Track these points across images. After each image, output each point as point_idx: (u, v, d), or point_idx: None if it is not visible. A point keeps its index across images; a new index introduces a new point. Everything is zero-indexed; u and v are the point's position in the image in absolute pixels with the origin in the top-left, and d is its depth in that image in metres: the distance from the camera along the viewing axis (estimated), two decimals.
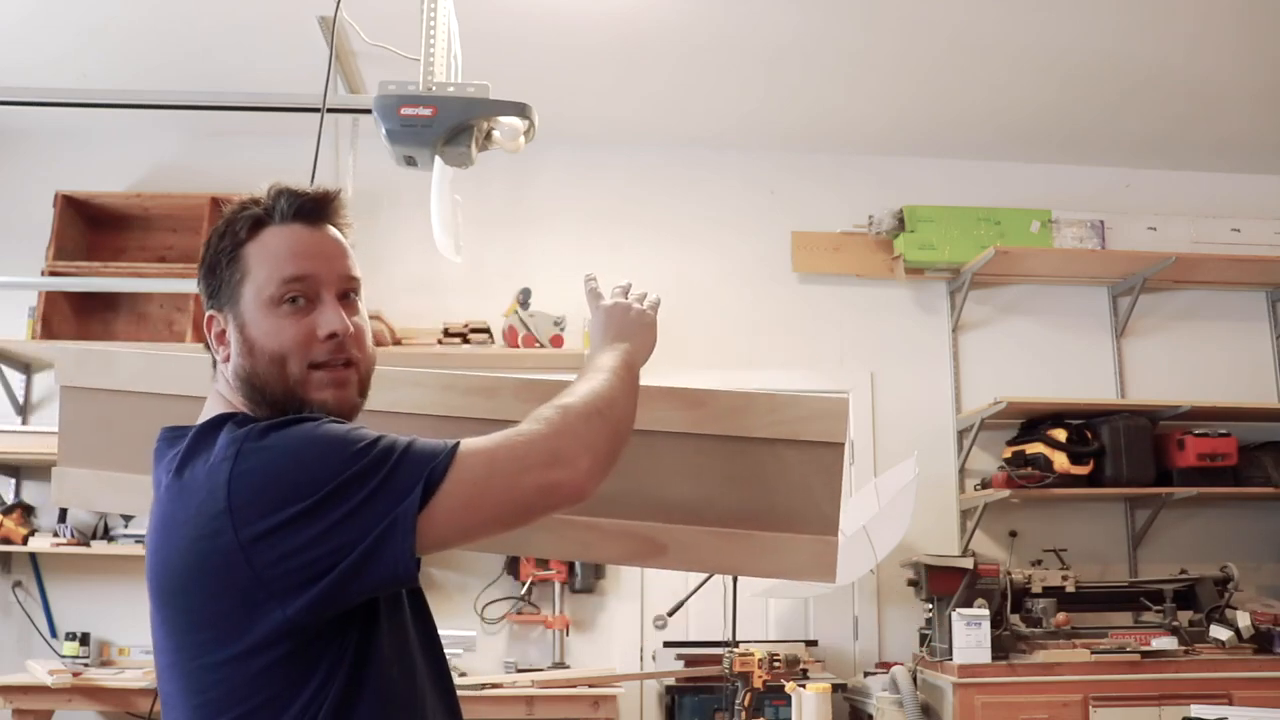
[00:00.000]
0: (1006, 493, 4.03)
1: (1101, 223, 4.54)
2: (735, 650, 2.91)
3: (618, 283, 1.47)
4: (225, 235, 1.20)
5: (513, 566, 4.07)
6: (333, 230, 1.23)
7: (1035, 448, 4.12)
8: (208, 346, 1.24)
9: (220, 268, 1.20)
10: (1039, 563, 4.09)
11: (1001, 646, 3.64)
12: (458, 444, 1.08)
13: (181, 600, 1.09)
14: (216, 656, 1.07)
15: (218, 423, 1.14)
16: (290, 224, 1.20)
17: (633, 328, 1.38)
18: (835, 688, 3.76)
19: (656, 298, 1.47)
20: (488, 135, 2.11)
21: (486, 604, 4.06)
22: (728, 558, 1.41)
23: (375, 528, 1.04)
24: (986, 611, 3.64)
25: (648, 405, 1.32)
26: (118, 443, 1.49)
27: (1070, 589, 3.88)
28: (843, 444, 1.38)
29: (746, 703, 2.84)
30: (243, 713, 1.06)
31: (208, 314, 1.22)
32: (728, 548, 1.40)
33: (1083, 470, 4.10)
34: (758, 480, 1.39)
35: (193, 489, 1.09)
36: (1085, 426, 4.19)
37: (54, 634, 3.98)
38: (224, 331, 1.20)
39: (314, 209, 1.21)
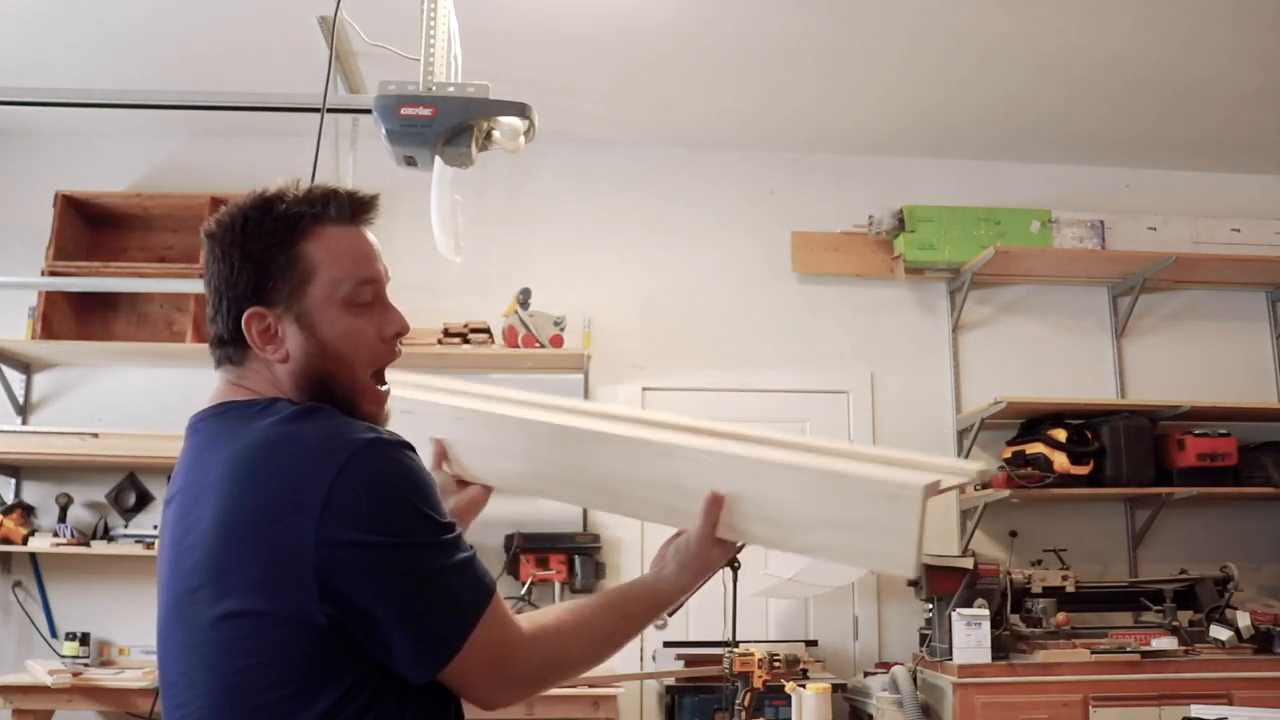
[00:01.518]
0: (1006, 493, 4.03)
1: (1101, 223, 4.54)
2: (735, 650, 2.90)
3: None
4: (272, 230, 1.17)
5: (513, 566, 4.07)
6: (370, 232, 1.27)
7: (1035, 448, 4.12)
8: (221, 342, 1.21)
9: (272, 263, 1.17)
10: (1039, 563, 4.09)
11: (1001, 646, 3.64)
12: (492, 594, 1.12)
13: (223, 556, 1.07)
14: (240, 618, 1.06)
15: (320, 409, 1.15)
16: (351, 226, 1.22)
17: (701, 579, 1.35)
18: (835, 688, 3.76)
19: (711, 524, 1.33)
20: (488, 135, 2.11)
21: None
22: (815, 483, 1.29)
23: (420, 620, 1.07)
24: (986, 611, 3.64)
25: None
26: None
27: (1070, 589, 3.88)
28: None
29: (746, 703, 2.84)
30: (272, 700, 1.05)
31: (251, 310, 1.17)
32: (814, 470, 1.30)
33: (1083, 470, 4.10)
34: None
35: (293, 458, 1.08)
36: (1085, 426, 4.19)
37: (54, 634, 3.98)
38: (272, 329, 1.17)
39: (368, 211, 1.24)
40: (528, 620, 1.15)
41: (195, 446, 1.18)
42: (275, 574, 1.04)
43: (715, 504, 1.30)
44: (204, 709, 1.07)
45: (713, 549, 1.33)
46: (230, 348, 1.20)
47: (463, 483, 1.49)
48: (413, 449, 1.13)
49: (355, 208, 1.22)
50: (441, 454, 1.47)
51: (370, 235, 1.25)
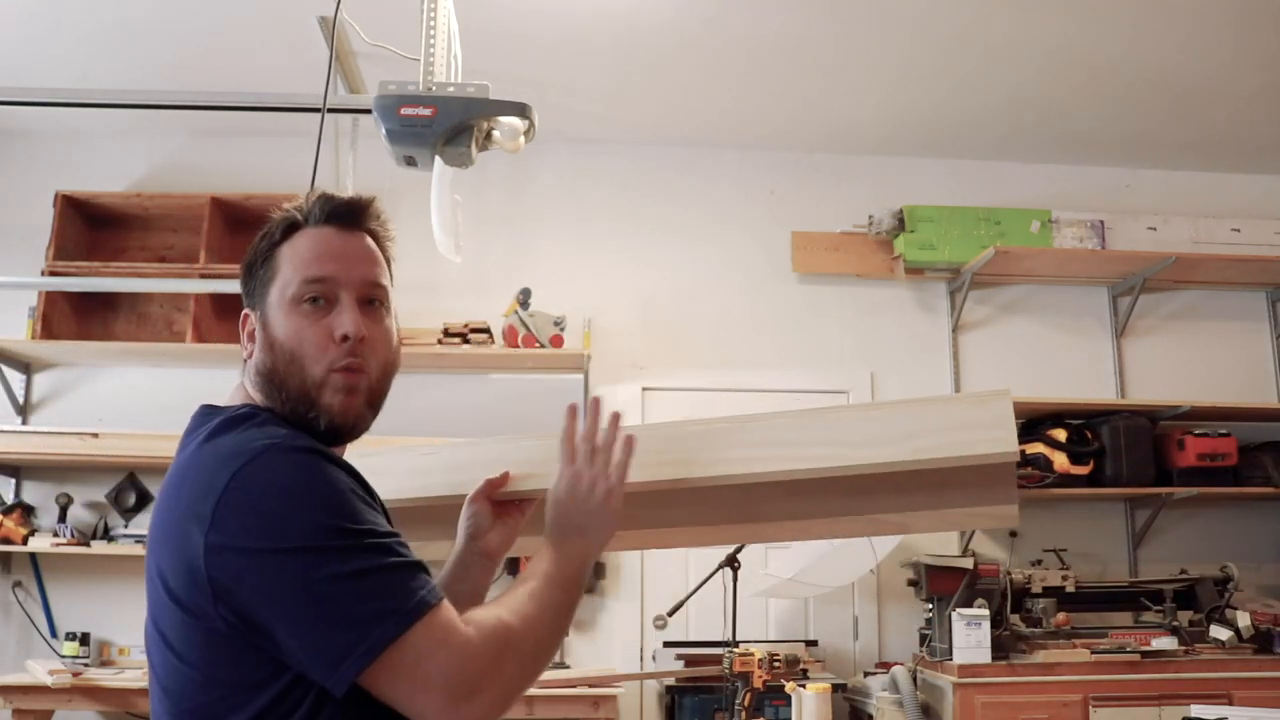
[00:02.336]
0: None
1: (1101, 223, 4.54)
2: (735, 650, 2.90)
3: (601, 415, 1.29)
4: (264, 238, 1.23)
5: (512, 567, 4.07)
6: (367, 238, 1.25)
7: (1035, 448, 4.12)
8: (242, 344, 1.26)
9: (255, 267, 1.23)
10: (1039, 563, 4.09)
11: (1001, 646, 3.64)
12: (426, 606, 1.03)
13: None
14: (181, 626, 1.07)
15: (247, 415, 1.15)
16: (322, 227, 1.22)
17: (594, 516, 1.25)
18: (835, 688, 3.76)
19: (623, 461, 1.28)
20: (488, 135, 2.11)
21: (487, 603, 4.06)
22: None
23: (335, 630, 1.00)
24: (986, 611, 3.64)
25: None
26: None
27: (1070, 589, 3.88)
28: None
29: (746, 703, 2.84)
30: (202, 703, 1.06)
31: (243, 312, 1.25)
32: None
33: (1083, 470, 4.10)
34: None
35: (204, 467, 1.09)
36: (1085, 426, 4.19)
37: (54, 634, 3.98)
38: (251, 329, 1.22)
39: (346, 213, 1.23)
40: (475, 619, 1.08)
41: (180, 447, 1.20)
42: (187, 581, 1.04)
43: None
44: (154, 712, 1.13)
45: (565, 478, 1.27)
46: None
47: (501, 514, 1.40)
48: (325, 454, 1.09)
49: (330, 211, 1.22)
50: (498, 484, 1.39)
51: (359, 240, 1.23)
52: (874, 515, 1.38)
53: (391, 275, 1.28)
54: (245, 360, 1.23)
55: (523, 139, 2.10)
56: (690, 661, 3.82)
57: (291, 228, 1.22)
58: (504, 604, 1.13)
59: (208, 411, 1.19)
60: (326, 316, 1.18)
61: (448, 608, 1.06)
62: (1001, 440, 1.25)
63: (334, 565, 1.01)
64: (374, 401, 1.21)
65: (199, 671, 1.06)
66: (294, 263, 1.20)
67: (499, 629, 1.08)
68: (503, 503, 1.40)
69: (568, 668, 3.97)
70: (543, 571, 1.20)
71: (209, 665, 1.05)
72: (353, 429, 1.19)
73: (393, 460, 1.51)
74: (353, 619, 1.00)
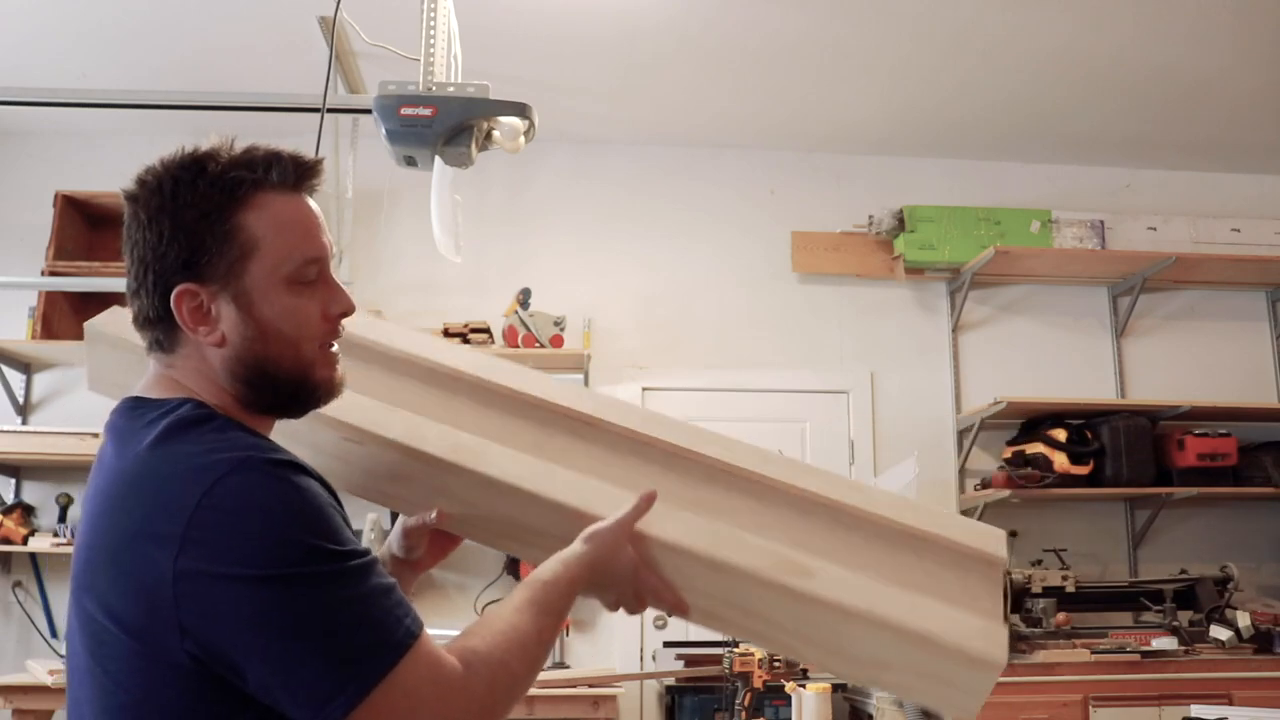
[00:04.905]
0: (1006, 493, 4.03)
1: (1101, 223, 4.54)
2: (735, 650, 2.90)
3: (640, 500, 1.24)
4: (207, 195, 1.05)
5: (512, 567, 4.07)
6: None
7: (1035, 448, 4.12)
8: (147, 322, 1.09)
9: (208, 234, 1.04)
10: (1039, 563, 4.09)
11: None
12: (411, 638, 0.97)
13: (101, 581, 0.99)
14: (120, 653, 0.97)
15: (203, 418, 1.03)
16: (294, 194, 1.09)
17: (617, 583, 1.22)
18: (835, 688, 3.75)
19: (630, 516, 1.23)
20: (488, 135, 2.11)
21: (486, 604, 4.06)
22: (879, 605, 1.25)
23: (310, 665, 0.92)
24: None
25: (795, 519, 1.25)
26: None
27: (1070, 589, 3.88)
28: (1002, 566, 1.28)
29: (746, 703, 2.84)
30: None
31: (182, 287, 1.04)
32: (882, 596, 1.26)
33: (1083, 470, 4.10)
34: (917, 568, 1.30)
35: (162, 478, 0.98)
36: (1085, 426, 4.19)
37: (54, 634, 3.97)
38: (205, 308, 1.05)
39: (313, 176, 1.12)
40: (455, 650, 1.01)
41: (104, 444, 1.10)
42: (143, 609, 0.94)
43: (647, 501, 1.22)
44: None
45: (625, 542, 1.21)
46: (158, 329, 1.08)
47: (438, 539, 1.36)
48: (299, 467, 1.00)
49: (300, 173, 1.09)
50: (442, 519, 1.32)
51: (314, 204, 1.12)
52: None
53: None
54: (211, 346, 1.07)
55: (523, 139, 2.11)
56: (690, 661, 3.82)
57: (252, 188, 1.06)
58: (494, 630, 1.05)
59: (137, 405, 1.07)
60: (316, 293, 1.10)
61: (428, 637, 0.99)
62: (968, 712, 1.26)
63: (321, 594, 0.93)
64: None
65: (140, 707, 0.96)
66: (285, 237, 1.07)
67: (489, 661, 1.02)
68: (440, 532, 1.35)
69: (568, 668, 3.97)
70: (537, 600, 1.11)
71: (153, 700, 0.95)
72: (335, 397, 1.14)
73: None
74: (342, 653, 0.92)
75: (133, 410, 1.07)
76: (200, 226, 1.04)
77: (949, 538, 1.30)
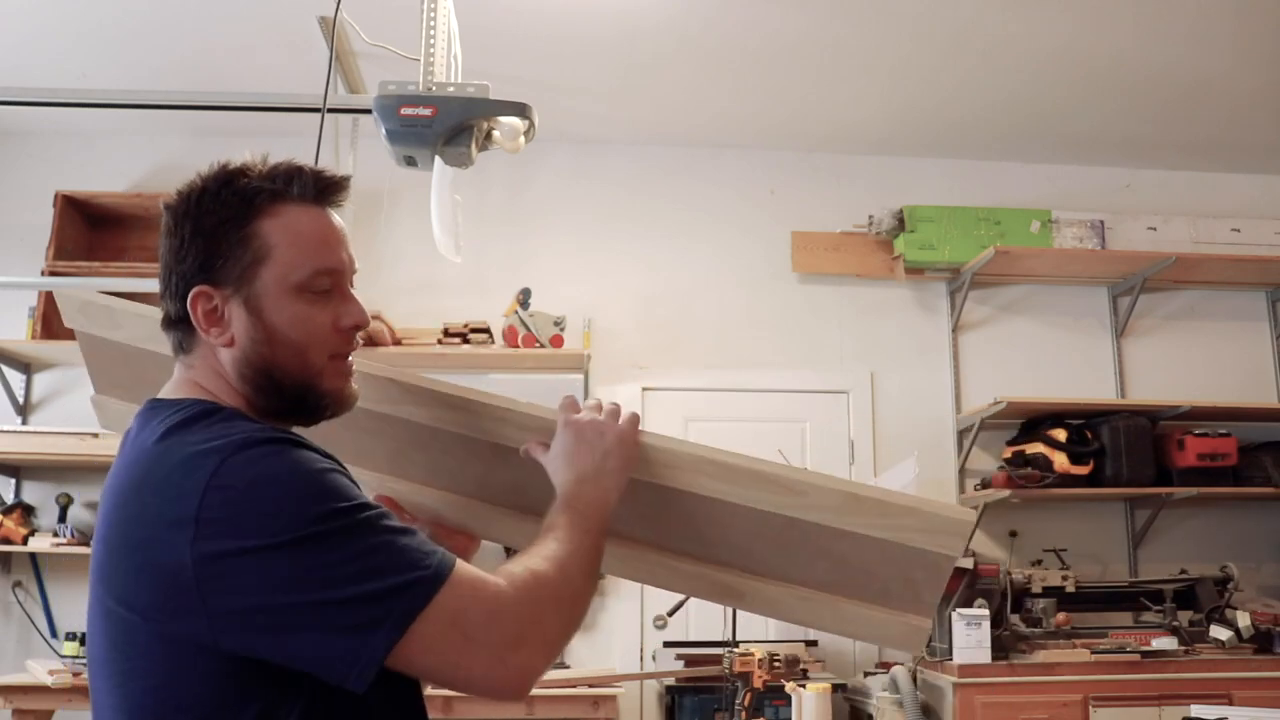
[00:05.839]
0: (1006, 493, 4.03)
1: (1101, 223, 4.54)
2: (735, 650, 2.91)
3: (589, 400, 1.29)
4: (228, 204, 1.10)
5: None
6: (337, 215, 1.18)
7: (1035, 448, 4.12)
8: (170, 324, 1.14)
9: (223, 238, 1.09)
10: (1039, 563, 4.09)
11: (1001, 646, 3.64)
12: (447, 568, 0.98)
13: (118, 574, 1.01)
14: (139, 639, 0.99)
15: (209, 411, 1.06)
16: (313, 206, 1.13)
17: (610, 459, 1.20)
18: (835, 688, 3.76)
19: (632, 414, 1.25)
20: (488, 135, 2.11)
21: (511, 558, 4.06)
22: (810, 614, 1.33)
23: (349, 618, 0.94)
24: (986, 611, 3.64)
25: (742, 485, 1.22)
26: (142, 380, 1.36)
27: (1070, 589, 3.88)
28: (957, 557, 1.25)
29: (746, 703, 2.84)
30: None
31: (198, 289, 1.09)
32: (812, 607, 1.32)
33: (1083, 470, 4.10)
34: (856, 562, 1.28)
35: (169, 467, 1.00)
36: (1085, 426, 4.19)
37: (54, 634, 3.98)
38: (219, 311, 1.10)
39: (336, 192, 1.15)
40: (500, 572, 1.03)
41: (121, 444, 1.12)
42: (165, 595, 0.96)
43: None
44: None
45: (573, 424, 1.22)
46: (179, 331, 1.13)
47: (450, 532, 1.40)
48: (300, 442, 1.03)
49: (321, 187, 1.13)
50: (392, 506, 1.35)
51: (336, 219, 1.16)
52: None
53: None
54: (221, 347, 1.11)
55: (523, 139, 2.11)
56: (690, 661, 3.82)
57: (273, 199, 1.11)
58: (531, 554, 1.08)
59: (154, 406, 1.11)
60: (330, 304, 1.12)
61: (466, 567, 1.00)
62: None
63: (344, 545, 0.95)
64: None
65: (161, 693, 0.97)
66: (298, 246, 1.10)
67: (531, 576, 1.03)
68: (458, 533, 1.40)
69: (568, 668, 3.97)
70: (565, 522, 1.13)
71: (175, 686, 0.97)
72: (348, 410, 1.16)
73: None
74: (374, 596, 0.94)
75: (150, 411, 1.10)
76: (218, 232, 1.09)
77: (897, 541, 1.24)
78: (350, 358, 1.16)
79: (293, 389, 1.11)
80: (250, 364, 1.10)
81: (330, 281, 1.12)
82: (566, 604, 1.07)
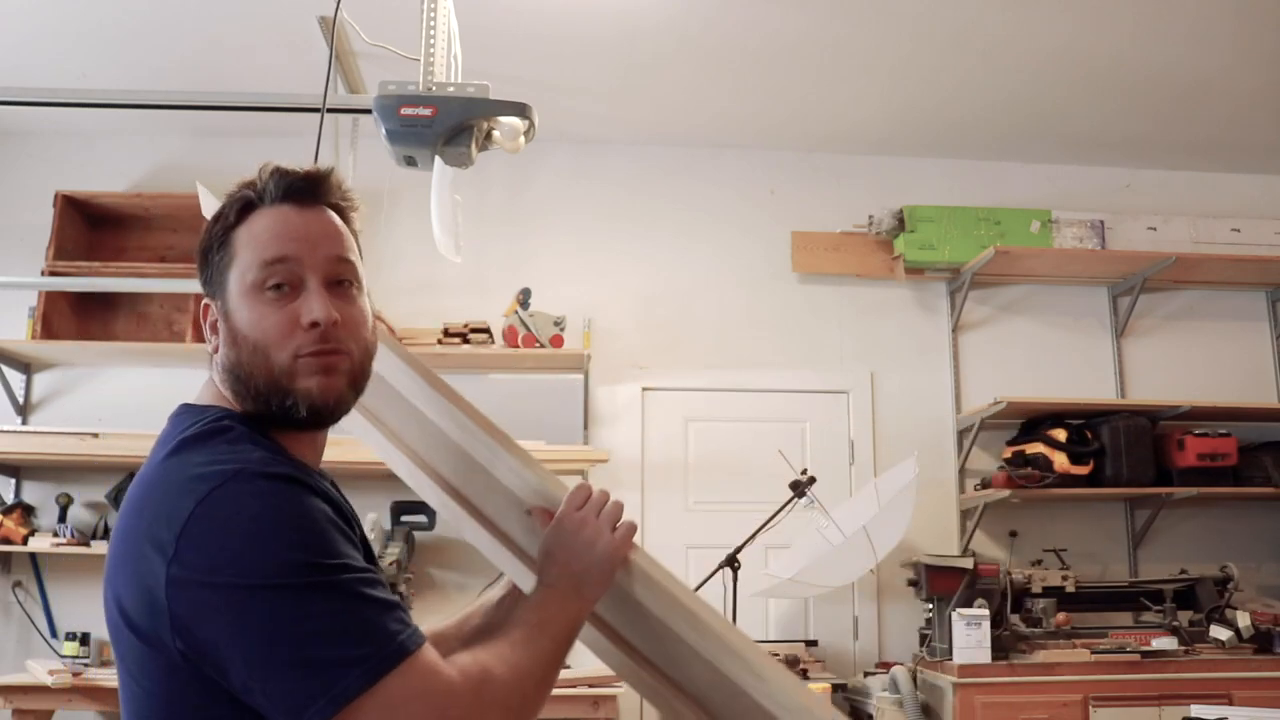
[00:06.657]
0: (1006, 493, 4.03)
1: (1101, 223, 4.54)
2: None
3: (596, 492, 1.25)
4: (219, 219, 1.13)
5: None
6: (329, 213, 1.14)
7: (1035, 448, 4.12)
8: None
9: (212, 253, 1.13)
10: (1039, 563, 4.09)
11: (1001, 646, 3.64)
12: (406, 650, 0.96)
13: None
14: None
15: (220, 429, 1.06)
16: (279, 206, 1.12)
17: (593, 572, 1.19)
18: (835, 688, 3.76)
19: (629, 525, 1.24)
20: (488, 135, 2.11)
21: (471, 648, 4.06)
22: None
23: (296, 675, 0.93)
24: (986, 611, 3.64)
25: (709, 642, 1.23)
26: None
27: (1070, 589, 3.88)
28: None
29: None
30: None
31: (203, 301, 1.15)
32: None
33: (1083, 470, 4.10)
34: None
35: (168, 486, 1.01)
36: (1085, 426, 4.19)
37: (54, 634, 3.98)
38: (212, 320, 1.14)
39: (304, 188, 1.13)
40: (452, 666, 1.00)
41: (158, 440, 1.12)
42: (146, 611, 0.97)
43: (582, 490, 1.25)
44: None
45: (573, 519, 1.21)
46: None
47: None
48: (299, 480, 1.01)
49: (284, 187, 1.12)
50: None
51: (321, 215, 1.14)
52: None
53: (360, 249, 1.17)
54: (211, 354, 1.14)
55: (523, 139, 2.11)
56: None
57: (247, 208, 1.12)
58: (490, 648, 1.06)
59: (184, 412, 1.12)
60: (292, 303, 1.09)
61: (428, 653, 0.97)
62: None
63: (303, 604, 0.93)
64: (357, 384, 1.13)
65: (157, 699, 1.00)
66: (251, 246, 1.10)
67: (483, 675, 1.01)
68: None
69: (568, 668, 3.97)
70: (535, 620, 1.12)
71: (169, 694, 0.99)
72: (334, 411, 1.11)
73: None
74: (321, 664, 0.92)
75: (178, 417, 1.12)
76: (209, 246, 1.14)
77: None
78: (337, 354, 1.10)
79: (264, 391, 1.08)
80: (226, 369, 1.11)
81: (284, 276, 1.09)
82: (513, 713, 1.04)
